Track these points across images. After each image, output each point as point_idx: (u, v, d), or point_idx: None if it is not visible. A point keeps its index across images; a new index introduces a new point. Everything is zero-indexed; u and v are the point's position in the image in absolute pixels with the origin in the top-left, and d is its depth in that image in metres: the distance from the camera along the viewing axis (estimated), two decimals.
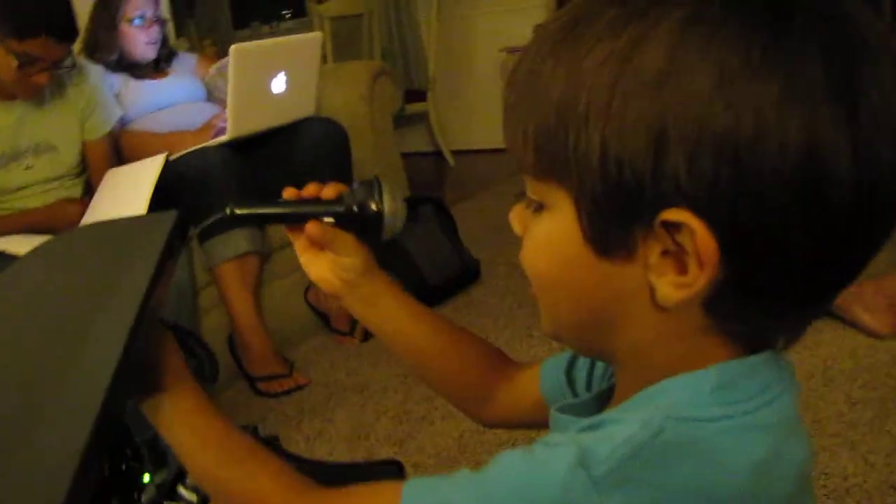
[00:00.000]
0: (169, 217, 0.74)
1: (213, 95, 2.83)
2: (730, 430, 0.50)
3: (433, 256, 2.85)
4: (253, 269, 2.42)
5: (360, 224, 0.78)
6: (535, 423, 0.82)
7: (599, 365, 0.74)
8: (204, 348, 0.79)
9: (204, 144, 2.43)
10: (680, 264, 0.50)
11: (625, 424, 0.50)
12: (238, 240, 2.35)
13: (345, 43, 4.44)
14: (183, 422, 0.67)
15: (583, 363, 0.76)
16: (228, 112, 2.37)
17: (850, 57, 0.47)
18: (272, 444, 1.00)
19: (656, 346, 0.55)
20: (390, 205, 0.77)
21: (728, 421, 0.50)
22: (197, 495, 0.90)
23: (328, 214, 0.77)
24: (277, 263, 2.60)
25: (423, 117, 4.67)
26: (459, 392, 0.86)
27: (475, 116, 4.97)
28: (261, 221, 0.85)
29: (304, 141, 2.54)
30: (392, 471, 0.93)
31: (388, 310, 0.83)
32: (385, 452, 2.07)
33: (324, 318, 2.71)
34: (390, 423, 2.19)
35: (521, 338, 2.55)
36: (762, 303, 0.51)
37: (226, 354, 2.45)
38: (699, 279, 0.49)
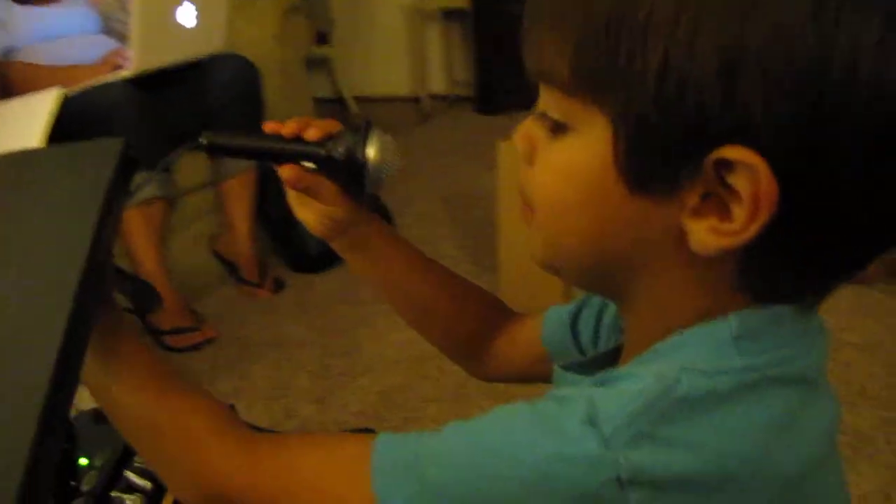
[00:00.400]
0: (115, 144, 0.63)
1: (109, 26, 2.60)
2: (753, 384, 0.46)
3: None
4: (159, 216, 2.26)
5: (342, 173, 0.70)
6: (536, 377, 0.78)
7: (606, 320, 0.69)
8: (135, 279, 0.73)
9: (104, 79, 2.23)
10: (722, 208, 0.44)
11: (637, 379, 0.46)
12: (146, 184, 2.17)
13: None
14: (116, 355, 0.58)
15: (588, 316, 0.71)
16: (133, 43, 2.19)
17: None
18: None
19: (675, 295, 0.49)
20: (377, 155, 0.69)
21: (751, 374, 0.46)
22: (151, 481, 0.79)
23: (308, 158, 0.70)
24: (182, 211, 2.44)
25: (323, 61, 4.49)
26: (457, 344, 0.81)
27: (378, 61, 4.83)
28: (234, 154, 0.76)
29: (213, 79, 2.38)
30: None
31: (379, 255, 0.77)
32: (305, 410, 1.98)
33: (232, 268, 2.58)
34: (309, 380, 2.10)
35: None
36: (801, 261, 0.46)
37: None
38: (749, 228, 0.43)
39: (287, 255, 2.66)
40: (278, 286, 2.55)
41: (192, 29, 2.30)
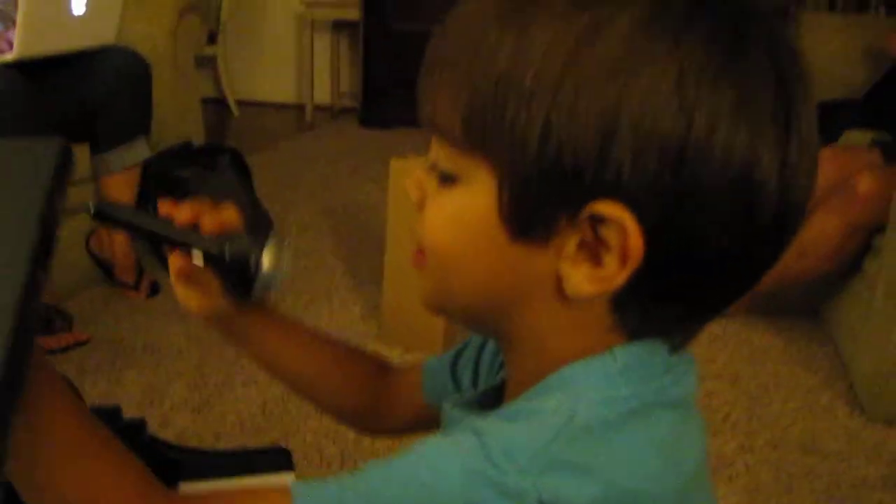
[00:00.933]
0: (53, 144, 0.60)
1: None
2: (640, 410, 0.51)
3: None
4: None
5: (230, 275, 0.68)
6: (423, 427, 0.80)
7: (485, 358, 0.73)
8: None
9: None
10: (594, 257, 0.49)
11: (540, 412, 0.50)
12: None
13: None
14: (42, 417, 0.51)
15: (466, 359, 0.75)
16: (18, 26, 2.08)
17: (792, 86, 0.49)
18: (136, 429, 0.87)
19: (554, 333, 0.54)
20: (270, 266, 0.67)
21: (637, 400, 0.51)
22: None
23: (197, 250, 0.67)
24: None
25: (209, 61, 4.39)
26: (345, 409, 0.83)
27: (265, 66, 4.76)
28: (124, 228, 0.71)
29: (102, 71, 2.29)
30: (279, 460, 0.83)
31: (260, 342, 0.77)
32: (182, 420, 1.92)
33: (106, 268, 2.48)
34: (186, 389, 2.04)
35: (321, 302, 2.49)
36: (669, 304, 0.52)
37: None
38: (618, 275, 0.49)
39: (164, 257, 2.58)
40: (154, 289, 2.47)
41: (82, 18, 2.22)
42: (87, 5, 2.21)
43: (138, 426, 0.88)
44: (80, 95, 2.26)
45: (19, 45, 2.10)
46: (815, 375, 2.19)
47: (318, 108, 4.66)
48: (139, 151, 2.38)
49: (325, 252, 2.85)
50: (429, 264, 0.56)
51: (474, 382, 0.73)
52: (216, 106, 4.55)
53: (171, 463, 0.85)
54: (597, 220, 0.48)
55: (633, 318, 0.52)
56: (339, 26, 4.61)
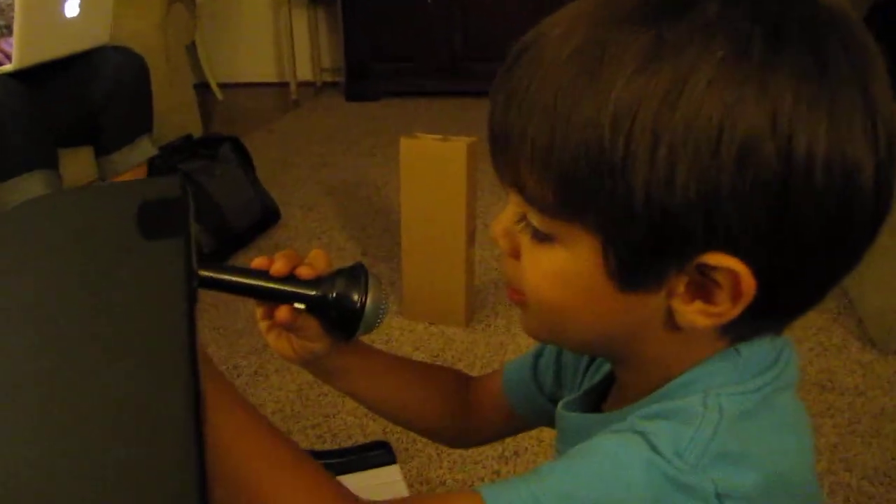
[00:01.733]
0: (173, 184, 0.56)
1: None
2: (769, 396, 0.54)
3: (235, 199, 2.70)
4: None
5: (334, 317, 0.68)
6: (512, 431, 0.85)
7: (567, 363, 0.75)
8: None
9: None
10: (706, 292, 0.50)
11: (688, 411, 0.51)
12: (32, 184, 2.08)
13: None
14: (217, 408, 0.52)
15: (547, 363, 0.77)
16: (15, 37, 2.08)
17: (874, 87, 0.48)
18: None
19: (667, 353, 0.56)
20: (373, 303, 0.68)
21: (767, 388, 0.54)
22: None
23: (301, 299, 0.67)
24: None
25: (189, 47, 4.35)
26: (434, 425, 0.84)
27: (242, 47, 4.73)
28: (222, 289, 0.68)
29: (100, 73, 2.29)
30: (382, 454, 0.87)
31: (354, 376, 0.78)
32: None
33: None
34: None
35: None
36: (775, 317, 0.54)
37: None
38: (731, 311, 0.50)
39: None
40: None
41: (76, 21, 2.21)
42: (80, 6, 2.20)
43: None
44: (81, 99, 2.26)
45: (18, 54, 2.10)
46: (825, 315, 2.25)
47: (300, 85, 4.64)
48: (144, 150, 2.39)
49: (334, 232, 2.87)
50: (532, 309, 0.57)
51: (558, 382, 0.76)
52: (199, 91, 4.52)
53: None
54: (707, 267, 0.49)
55: (740, 333, 0.54)
56: (315, 0, 4.58)
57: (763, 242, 0.47)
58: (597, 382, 0.68)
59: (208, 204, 2.60)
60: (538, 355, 0.78)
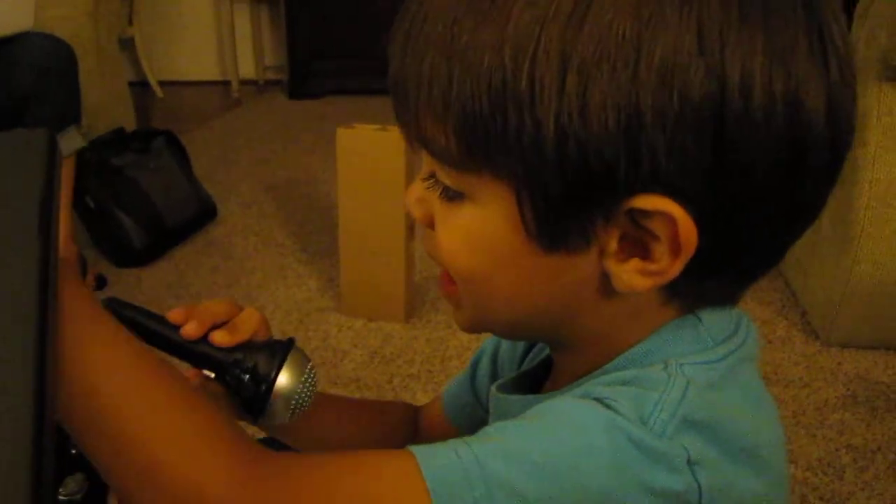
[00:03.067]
0: (40, 135, 0.59)
1: None
2: (733, 367, 0.49)
3: (170, 194, 2.62)
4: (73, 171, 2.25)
5: (241, 396, 0.60)
6: None
7: (504, 359, 0.70)
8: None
9: None
10: (642, 248, 0.44)
11: (651, 380, 0.46)
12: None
13: None
14: (91, 341, 0.44)
15: (484, 371, 0.72)
16: None
17: (820, 6, 0.43)
18: None
19: (610, 327, 0.50)
20: (289, 386, 0.59)
21: (730, 358, 0.49)
22: None
23: (209, 367, 0.60)
24: None
25: (127, 43, 4.24)
26: None
27: (183, 45, 4.62)
28: (135, 330, 0.55)
29: (23, 60, 2.18)
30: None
31: (308, 437, 0.71)
32: None
33: None
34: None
35: (275, 279, 2.44)
36: (724, 275, 0.48)
37: None
38: (672, 267, 0.44)
39: (109, 248, 2.51)
40: (101, 283, 2.39)
41: None
42: None
43: None
44: (4, 86, 2.16)
45: None
46: (769, 308, 2.24)
47: (243, 83, 4.56)
48: (72, 141, 2.29)
49: (272, 229, 2.80)
50: (461, 290, 0.51)
51: (494, 379, 0.70)
52: (139, 88, 4.41)
53: None
54: (639, 214, 0.43)
55: (687, 292, 0.48)
56: None
57: (700, 180, 0.41)
58: (534, 366, 0.62)
59: (141, 198, 2.51)
60: (475, 364, 0.73)
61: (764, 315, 2.21)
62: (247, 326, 0.61)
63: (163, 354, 0.59)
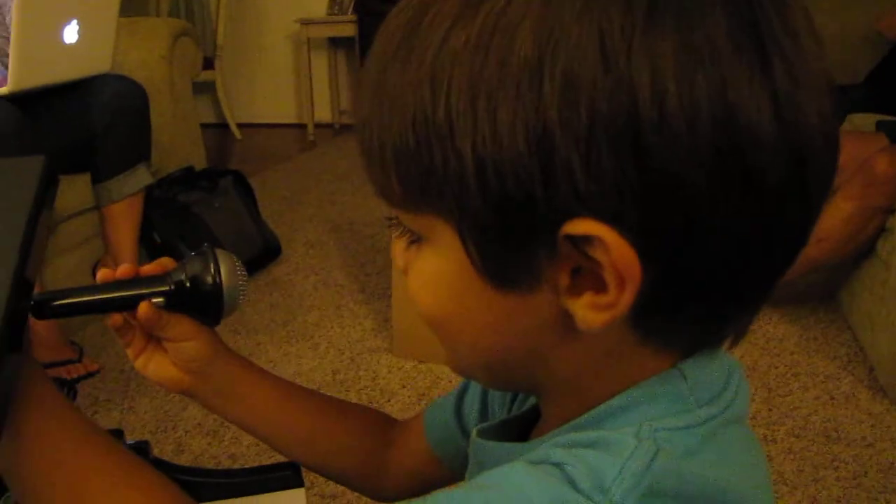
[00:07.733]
0: (36, 162, 0.61)
1: None
2: (715, 431, 0.45)
3: (236, 233, 2.68)
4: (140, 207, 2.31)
5: (196, 302, 0.65)
6: (435, 482, 0.74)
7: (495, 394, 0.67)
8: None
9: None
10: (597, 281, 0.41)
11: (619, 443, 0.43)
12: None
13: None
14: (32, 421, 0.51)
15: (472, 398, 0.69)
16: (11, 60, 2.08)
17: (752, 3, 0.39)
18: (141, 451, 0.85)
19: (585, 372, 0.47)
20: (229, 277, 0.65)
21: (713, 422, 0.45)
22: None
23: (156, 295, 0.64)
24: (62, 236, 2.33)
25: (208, 87, 4.40)
26: (349, 471, 0.76)
27: (262, 89, 4.77)
28: (76, 313, 0.65)
29: (99, 100, 2.28)
30: (288, 476, 0.81)
31: (248, 399, 0.72)
32: (198, 444, 1.90)
33: None
34: (199, 413, 2.02)
35: (331, 318, 2.46)
36: (695, 306, 0.43)
37: None
38: (622, 297, 0.40)
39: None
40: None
41: (75, 47, 2.21)
42: (80, 34, 2.20)
43: (143, 449, 0.86)
44: (78, 125, 2.25)
45: (13, 78, 2.09)
46: (834, 362, 2.15)
47: (319, 126, 4.66)
48: (140, 178, 2.37)
49: (332, 269, 2.83)
50: (435, 333, 0.50)
51: (483, 414, 0.68)
52: (218, 130, 4.56)
53: (178, 484, 0.83)
54: (578, 242, 0.40)
55: (660, 332, 0.45)
56: (335, 43, 4.62)
57: (629, 200, 0.38)
58: (521, 413, 0.59)
59: (206, 235, 2.57)
60: (462, 393, 0.70)
61: (828, 370, 2.12)
62: (163, 262, 0.66)
63: (117, 315, 0.66)
